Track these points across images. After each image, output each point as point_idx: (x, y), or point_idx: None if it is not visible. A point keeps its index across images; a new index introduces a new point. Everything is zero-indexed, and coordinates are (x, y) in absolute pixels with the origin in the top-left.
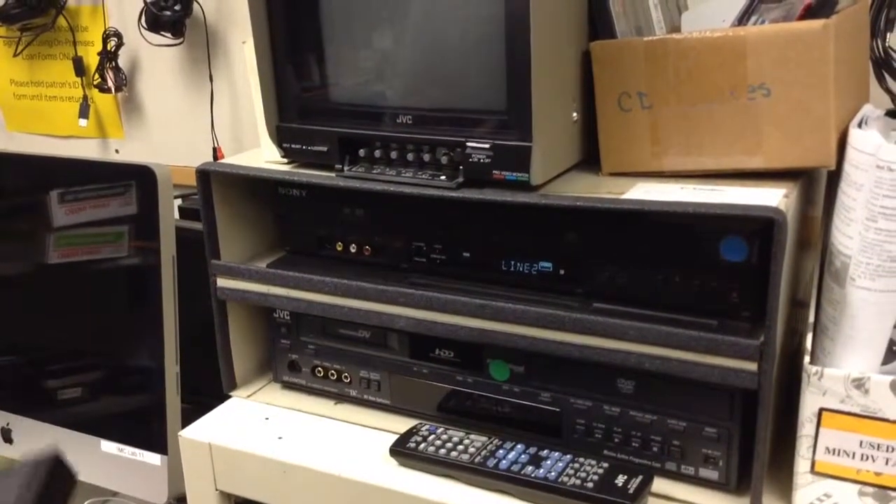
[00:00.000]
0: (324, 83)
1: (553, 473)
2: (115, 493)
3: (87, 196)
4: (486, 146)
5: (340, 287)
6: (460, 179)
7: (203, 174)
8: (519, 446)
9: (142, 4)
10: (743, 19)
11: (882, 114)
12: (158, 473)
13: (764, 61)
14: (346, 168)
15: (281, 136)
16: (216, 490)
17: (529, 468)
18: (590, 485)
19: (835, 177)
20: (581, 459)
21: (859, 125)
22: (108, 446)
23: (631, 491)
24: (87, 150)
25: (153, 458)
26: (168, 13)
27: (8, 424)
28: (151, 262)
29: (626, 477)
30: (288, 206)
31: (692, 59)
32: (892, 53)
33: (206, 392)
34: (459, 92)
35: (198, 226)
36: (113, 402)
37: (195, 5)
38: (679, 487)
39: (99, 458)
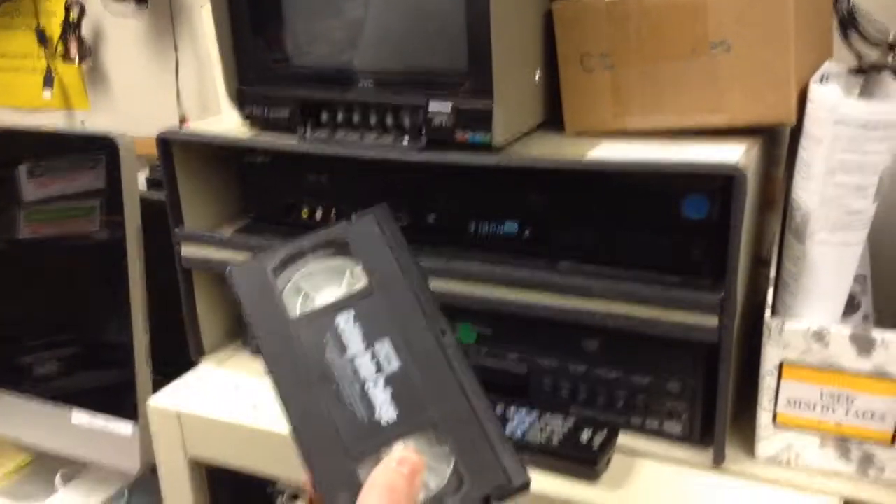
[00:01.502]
0: (284, 47)
1: (519, 432)
2: (86, 464)
3: (57, 169)
4: (448, 108)
5: None
6: (422, 142)
7: (164, 142)
8: None
9: None
10: None
11: (844, 70)
12: (130, 443)
13: (725, 18)
14: (308, 133)
15: (241, 100)
16: (186, 457)
17: None
18: (555, 442)
19: (796, 134)
20: (547, 417)
21: (820, 81)
22: (79, 417)
23: (595, 447)
24: (52, 122)
25: (125, 428)
26: None
27: None
28: (120, 235)
29: (591, 433)
30: (252, 173)
31: (654, 19)
32: (857, 11)
33: (181, 364)
34: (420, 54)
35: None
36: (87, 374)
37: None
38: (644, 442)
39: (70, 430)
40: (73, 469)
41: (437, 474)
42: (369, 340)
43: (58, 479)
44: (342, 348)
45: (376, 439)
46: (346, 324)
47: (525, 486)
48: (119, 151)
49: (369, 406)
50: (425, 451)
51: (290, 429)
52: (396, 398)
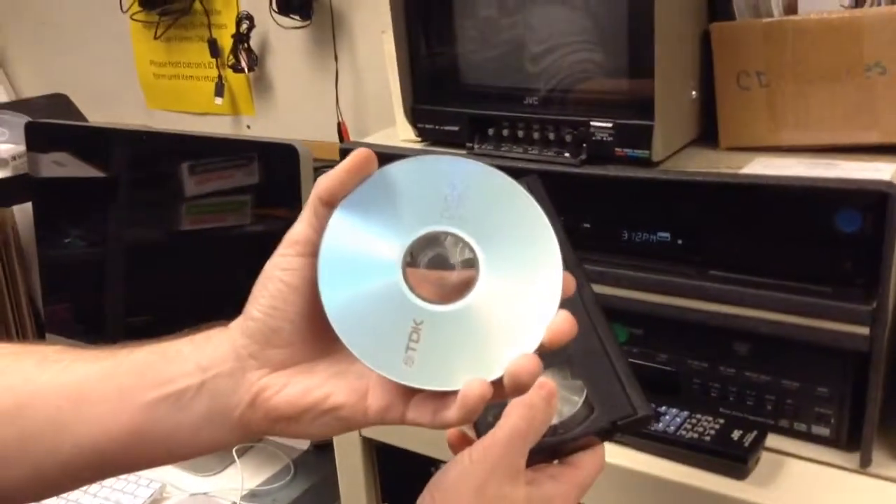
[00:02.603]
0: (455, 68)
1: (671, 428)
2: (259, 439)
3: (220, 167)
4: (609, 125)
5: None
6: (584, 156)
7: (344, 152)
8: None
9: None
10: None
11: None
12: None
13: (880, 41)
14: (476, 146)
15: (416, 117)
16: (360, 435)
17: None
18: (707, 439)
19: None
20: (697, 416)
21: None
22: None
23: (746, 445)
24: (220, 125)
25: None
26: None
27: None
28: (280, 228)
29: (741, 432)
30: None
31: (809, 41)
32: None
33: None
34: (583, 74)
35: None
36: None
37: None
38: (791, 443)
39: None
40: (244, 444)
41: (570, 404)
42: None
43: (234, 452)
44: None
45: None
46: None
47: (648, 417)
48: (299, 158)
49: None
50: (561, 383)
51: None
52: None
